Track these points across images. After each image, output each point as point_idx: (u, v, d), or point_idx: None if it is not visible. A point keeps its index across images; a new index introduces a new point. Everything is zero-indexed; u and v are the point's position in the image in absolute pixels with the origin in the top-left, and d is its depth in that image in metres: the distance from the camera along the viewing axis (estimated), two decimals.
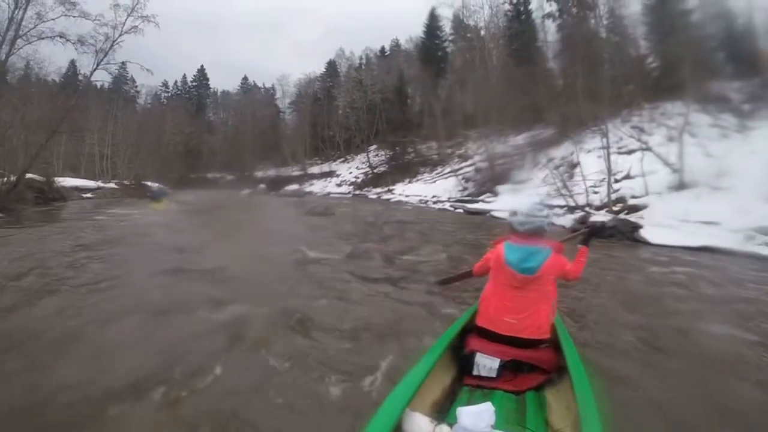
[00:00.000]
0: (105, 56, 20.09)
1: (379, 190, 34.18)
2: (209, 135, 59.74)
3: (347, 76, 53.44)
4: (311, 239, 8.64)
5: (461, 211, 18.12)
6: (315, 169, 50.25)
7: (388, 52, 53.59)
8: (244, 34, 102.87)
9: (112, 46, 19.99)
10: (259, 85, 63.58)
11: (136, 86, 61.70)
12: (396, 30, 68.26)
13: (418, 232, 10.95)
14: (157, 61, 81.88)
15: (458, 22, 40.68)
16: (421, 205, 22.91)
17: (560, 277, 2.42)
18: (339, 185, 42.90)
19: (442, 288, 4.46)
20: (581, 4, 26.01)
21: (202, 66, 66.84)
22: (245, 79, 65.18)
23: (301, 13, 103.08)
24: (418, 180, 31.40)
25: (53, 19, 18.58)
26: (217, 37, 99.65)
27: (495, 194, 19.13)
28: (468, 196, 21.31)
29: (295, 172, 50.19)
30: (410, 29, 49.85)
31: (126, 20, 20.20)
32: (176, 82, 65.68)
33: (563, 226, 10.90)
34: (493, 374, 2.19)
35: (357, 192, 37.16)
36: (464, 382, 2.24)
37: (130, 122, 44.55)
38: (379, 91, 45.27)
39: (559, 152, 19.12)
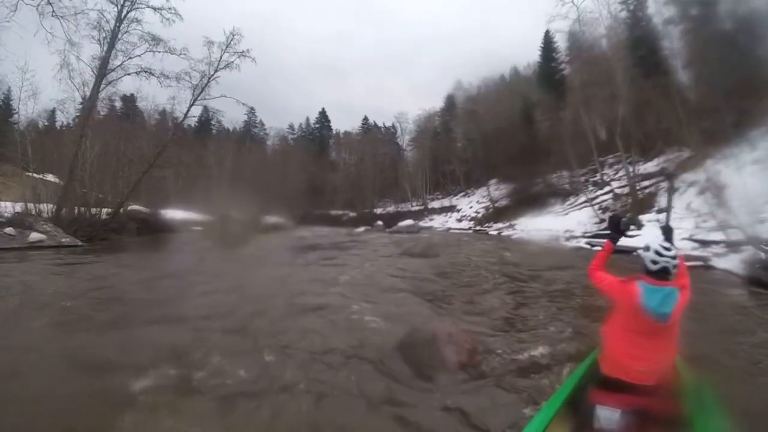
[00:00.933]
0: (201, 92, 21.30)
1: (500, 225, 32.33)
2: (332, 173, 62.79)
3: (463, 107, 52.80)
4: (372, 297, 6.78)
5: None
6: (435, 204, 50.14)
7: (507, 80, 51.69)
8: (363, 77, 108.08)
9: (208, 82, 21.13)
10: (379, 124, 65.70)
11: (265, 129, 68.65)
12: (514, 59, 66.90)
13: (548, 288, 8.19)
14: (284, 104, 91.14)
15: (574, 39, 38.05)
16: (549, 243, 19.64)
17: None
18: (459, 220, 41.83)
19: None
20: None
21: (323, 109, 70.92)
22: (365, 119, 67.73)
23: (419, 54, 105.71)
24: (547, 213, 28.98)
25: (139, 56, 19.94)
26: (339, 81, 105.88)
27: (638, 226, 16.31)
28: (606, 229, 18.56)
29: (414, 207, 50.62)
30: (529, 56, 47.79)
31: (221, 56, 21.28)
32: (301, 124, 70.81)
33: (728, 271, 8.92)
34: (614, 426, 2.07)
35: (477, 228, 35.72)
36: None
37: (255, 161, 48.26)
38: (493, 119, 43.48)
39: (698, 175, 16.50)
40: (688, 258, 10.27)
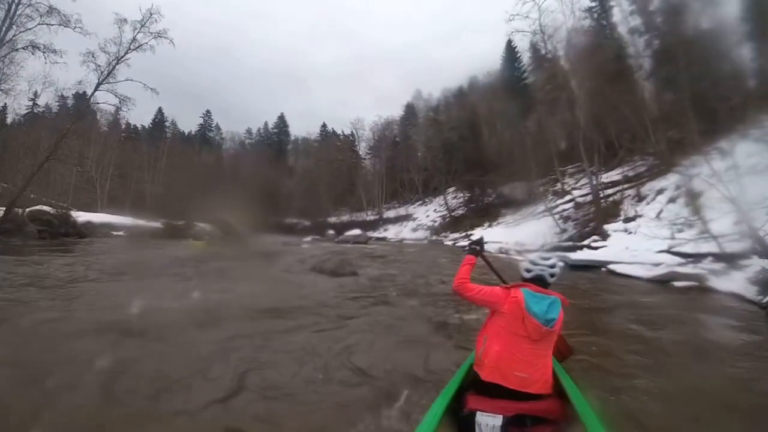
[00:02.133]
0: (108, 75, 18.46)
1: (456, 235, 30.67)
2: (289, 179, 59.99)
3: (425, 117, 51.96)
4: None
5: (561, 264, 12.69)
6: (391, 213, 48.87)
7: (466, 91, 51.01)
8: (327, 86, 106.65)
9: (116, 63, 18.45)
10: (338, 132, 63.86)
11: (221, 133, 66.68)
12: (475, 70, 66.70)
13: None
14: (248, 110, 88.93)
15: (535, 50, 37.33)
16: (501, 255, 16.94)
17: (559, 336, 2.40)
18: (415, 230, 40.25)
19: None
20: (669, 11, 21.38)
21: (282, 114, 69.14)
22: (324, 125, 66.04)
23: (380, 61, 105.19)
24: (500, 223, 27.37)
25: (31, 29, 17.33)
26: (301, 88, 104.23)
27: (603, 236, 14.53)
28: (568, 240, 16.63)
29: (370, 216, 48.73)
30: (490, 65, 47.40)
31: (135, 36, 18.66)
32: (259, 128, 68.73)
33: (735, 294, 7.00)
34: None
35: (434, 237, 33.92)
36: None
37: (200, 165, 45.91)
38: (454, 128, 42.04)
39: (665, 182, 15.98)
40: (676, 277, 8.35)
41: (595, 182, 18.30)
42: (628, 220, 14.61)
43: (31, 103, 45.17)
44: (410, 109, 56.19)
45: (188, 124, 67.57)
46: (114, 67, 18.57)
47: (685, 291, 7.77)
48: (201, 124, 66.51)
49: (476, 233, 27.73)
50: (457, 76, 56.60)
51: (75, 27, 17.81)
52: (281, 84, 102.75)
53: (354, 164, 58.10)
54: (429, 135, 47.27)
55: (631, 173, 20.24)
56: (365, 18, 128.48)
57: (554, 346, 2.31)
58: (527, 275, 2.39)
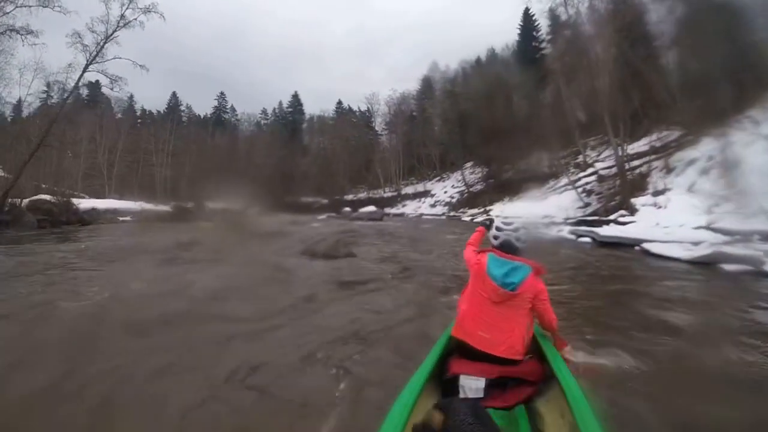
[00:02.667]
0: (96, 55, 17.96)
1: (474, 211, 30.16)
2: (304, 158, 59.73)
3: (442, 89, 50.83)
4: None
5: (589, 240, 11.83)
6: (409, 190, 48.47)
7: (484, 62, 49.67)
8: (342, 63, 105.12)
9: (105, 42, 17.97)
10: (354, 108, 63.23)
11: (237, 114, 66.73)
12: (493, 41, 64.37)
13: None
14: (264, 91, 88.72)
15: (554, 17, 35.84)
16: None
17: (537, 305, 2.32)
18: (433, 206, 39.85)
19: None
20: None
21: (296, 92, 68.76)
22: (339, 103, 65.29)
23: (396, 39, 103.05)
24: (521, 198, 26.77)
25: (8, 13, 16.99)
26: (315, 65, 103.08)
27: (631, 211, 13.90)
28: (592, 214, 16.08)
29: (388, 193, 48.45)
30: (507, 36, 46.23)
31: (123, 12, 18.18)
32: (274, 109, 68.57)
33: None
34: (481, 394, 2.07)
35: (451, 213, 33.52)
36: None
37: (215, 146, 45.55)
38: (471, 99, 41.00)
39: (695, 153, 14.85)
40: (723, 258, 7.18)
41: (620, 153, 17.57)
42: (657, 193, 13.95)
43: (44, 95, 46.09)
44: (427, 83, 54.86)
45: (204, 107, 67.24)
46: (102, 47, 18.15)
47: (737, 277, 6.48)
48: (215, 107, 66.63)
49: (495, 209, 27.33)
50: (474, 48, 54.96)
51: (54, 6, 17.34)
52: (295, 62, 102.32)
53: (370, 140, 57.49)
54: (445, 107, 46.22)
55: (658, 144, 19.42)
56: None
57: (524, 312, 2.28)
58: (495, 242, 2.47)
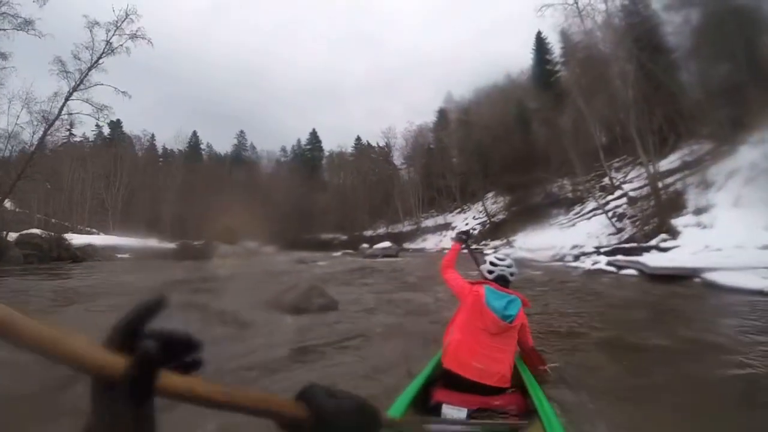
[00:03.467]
0: (80, 83, 17.43)
1: (497, 242, 28.47)
2: (323, 194, 59.18)
3: (456, 119, 49.94)
4: None
5: (634, 273, 9.95)
6: (429, 222, 47.32)
7: (500, 87, 48.68)
8: (360, 101, 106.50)
9: (90, 69, 17.45)
10: (373, 144, 62.75)
11: (257, 152, 67.01)
12: (507, 67, 64.26)
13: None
14: (281, 131, 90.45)
15: (567, 36, 34.87)
16: (553, 263, 15.08)
17: (521, 332, 2.45)
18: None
19: None
20: None
21: (314, 129, 69.21)
22: (358, 138, 65.12)
23: (410, 69, 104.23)
24: (549, 225, 25.04)
25: None
26: (333, 104, 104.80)
27: (672, 234, 12.21)
28: (629, 240, 14.34)
29: (407, 227, 47.16)
30: (521, 64, 45.49)
31: (110, 38, 17.68)
32: (293, 146, 68.82)
33: None
34: None
35: (473, 246, 31.73)
36: None
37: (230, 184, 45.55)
38: (487, 127, 39.83)
39: (734, 163, 13.60)
40: None
41: (652, 170, 16.01)
42: (699, 211, 12.30)
43: (67, 133, 47.30)
44: (442, 114, 54.57)
45: (225, 146, 68.19)
46: (87, 74, 17.68)
47: None
48: (235, 144, 67.31)
49: (518, 238, 25.68)
50: (488, 76, 54.35)
51: (29, 30, 16.91)
52: (314, 102, 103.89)
53: (389, 174, 56.92)
54: (459, 136, 45.32)
55: (689, 158, 17.87)
56: (391, 26, 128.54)
57: (514, 342, 2.41)
58: (489, 276, 2.57)
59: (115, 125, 57.49)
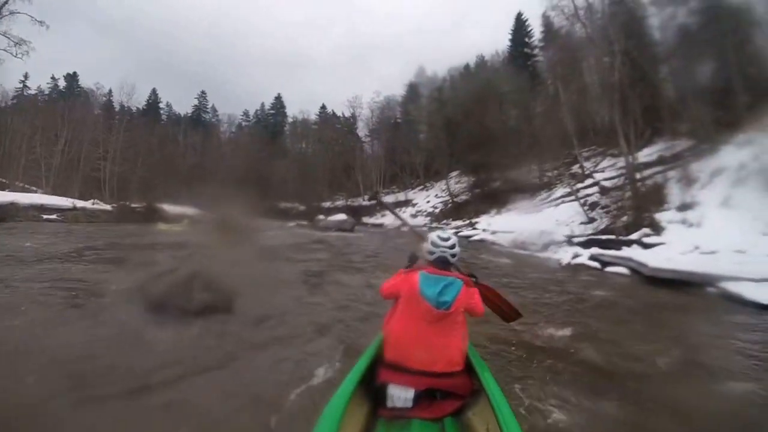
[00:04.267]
0: None
1: (459, 222, 27.58)
2: (283, 161, 56.38)
3: (428, 96, 48.60)
4: None
5: (625, 272, 8.63)
6: (390, 198, 45.66)
7: (473, 69, 47.90)
8: (325, 71, 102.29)
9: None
10: (338, 114, 60.33)
11: (218, 115, 63.79)
12: (481, 49, 62.95)
13: None
14: (243, 95, 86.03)
15: (549, 22, 33.68)
16: (519, 251, 13.88)
17: (468, 310, 2.32)
18: (414, 216, 37.18)
19: None
20: None
21: (279, 94, 65.65)
22: (323, 107, 62.36)
23: (382, 49, 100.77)
24: (510, 210, 24.15)
25: None
26: (301, 75, 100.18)
27: (656, 229, 11.22)
28: (605, 231, 13.28)
29: (366, 202, 45.62)
30: (497, 45, 44.41)
31: None
32: (256, 110, 65.54)
33: None
34: (409, 404, 2.06)
35: (434, 224, 30.89)
36: (379, 414, 2.07)
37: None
38: (459, 105, 38.60)
39: (718, 162, 13.23)
40: None
41: (631, 160, 15.13)
42: (683, 208, 11.41)
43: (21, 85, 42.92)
44: (413, 89, 52.71)
45: (187, 107, 63.77)
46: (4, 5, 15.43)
47: None
48: (195, 106, 63.21)
49: (481, 221, 24.75)
50: (463, 57, 52.76)
51: None
52: (281, 72, 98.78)
53: (352, 146, 54.91)
54: (431, 110, 43.97)
55: (666, 153, 17.24)
56: (365, 5, 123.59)
57: (460, 325, 2.27)
58: (430, 257, 2.39)
59: (71, 78, 52.89)
